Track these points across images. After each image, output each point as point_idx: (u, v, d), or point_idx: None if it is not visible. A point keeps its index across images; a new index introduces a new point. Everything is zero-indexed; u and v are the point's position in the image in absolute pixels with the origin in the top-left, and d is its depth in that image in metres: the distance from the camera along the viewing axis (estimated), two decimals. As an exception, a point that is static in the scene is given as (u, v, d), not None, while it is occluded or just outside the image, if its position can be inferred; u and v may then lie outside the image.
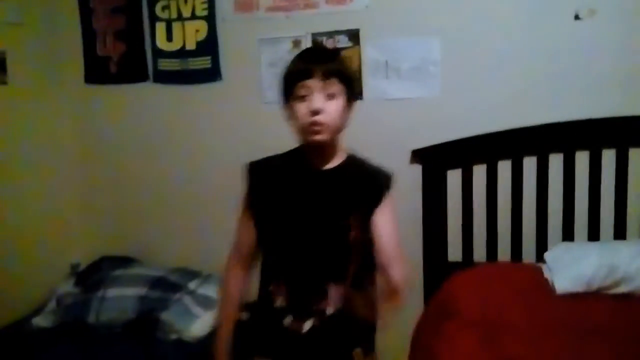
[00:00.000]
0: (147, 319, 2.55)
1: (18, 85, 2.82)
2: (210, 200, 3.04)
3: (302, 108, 1.61)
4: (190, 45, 3.01)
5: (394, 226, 1.73)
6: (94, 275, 2.89)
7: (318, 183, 1.71)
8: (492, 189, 2.72)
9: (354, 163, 1.76)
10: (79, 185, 3.22)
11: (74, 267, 3.10)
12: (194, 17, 2.98)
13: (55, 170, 3.09)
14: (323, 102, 1.59)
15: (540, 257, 2.60)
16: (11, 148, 2.80)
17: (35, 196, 2.94)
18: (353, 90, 1.70)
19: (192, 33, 2.99)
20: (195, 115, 3.04)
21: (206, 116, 3.03)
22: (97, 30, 3.11)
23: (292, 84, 1.63)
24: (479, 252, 2.77)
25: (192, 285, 2.80)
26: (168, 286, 2.73)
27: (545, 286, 2.37)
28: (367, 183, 1.73)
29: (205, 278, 2.89)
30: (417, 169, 2.79)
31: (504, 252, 2.74)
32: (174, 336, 2.52)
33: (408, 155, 2.79)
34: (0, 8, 2.73)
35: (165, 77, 3.06)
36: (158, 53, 3.05)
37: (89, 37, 3.13)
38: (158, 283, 2.73)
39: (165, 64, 3.05)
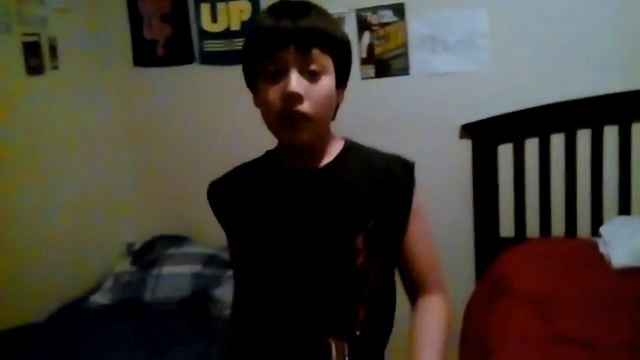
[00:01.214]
0: (201, 296, 2.62)
1: (69, 70, 2.87)
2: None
3: (272, 92, 1.14)
4: (235, 26, 3.01)
5: (431, 240, 1.31)
6: (148, 254, 2.96)
7: (305, 190, 1.24)
8: (544, 163, 2.66)
9: (354, 155, 1.29)
10: (130, 166, 3.29)
11: (130, 247, 3.17)
12: (238, -4, 2.99)
13: (106, 152, 3.15)
14: (303, 84, 1.12)
15: (595, 232, 2.54)
16: (63, 131, 2.86)
17: (88, 178, 3.01)
18: (346, 65, 1.24)
19: (237, 13, 2.99)
20: (241, 95, 3.05)
21: (251, 96, 3.04)
22: (143, 13, 3.14)
23: (257, 56, 1.16)
24: (532, 228, 2.72)
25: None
26: (220, 264, 2.79)
27: (601, 261, 2.31)
28: (381, 181, 1.24)
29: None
30: (467, 144, 2.75)
31: (557, 227, 2.68)
32: (227, 312, 2.56)
33: (457, 131, 2.75)
34: (48, -5, 2.78)
35: (211, 58, 3.07)
36: (203, 34, 3.06)
37: (135, 21, 3.16)
38: (211, 261, 2.80)
39: (211, 45, 3.07)
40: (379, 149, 1.33)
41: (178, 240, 3.09)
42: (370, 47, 2.84)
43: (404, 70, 2.81)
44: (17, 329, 2.42)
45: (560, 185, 2.66)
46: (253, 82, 1.23)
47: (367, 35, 2.84)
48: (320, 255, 1.21)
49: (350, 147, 1.30)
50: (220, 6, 3.02)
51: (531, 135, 2.67)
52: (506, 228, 2.75)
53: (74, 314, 2.66)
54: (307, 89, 1.12)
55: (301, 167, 1.25)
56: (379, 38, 2.83)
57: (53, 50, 2.76)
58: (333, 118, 1.26)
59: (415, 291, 1.29)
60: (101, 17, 3.14)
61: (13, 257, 2.51)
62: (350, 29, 2.82)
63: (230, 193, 1.32)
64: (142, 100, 3.23)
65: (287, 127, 1.15)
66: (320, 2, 2.91)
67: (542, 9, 2.62)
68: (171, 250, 2.91)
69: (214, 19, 3.03)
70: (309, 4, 1.19)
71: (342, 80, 1.23)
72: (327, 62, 1.16)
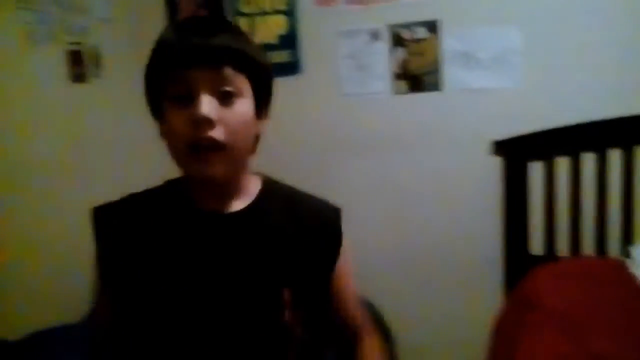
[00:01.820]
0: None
1: (111, 78, 2.96)
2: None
3: (179, 118, 0.99)
4: (272, 40, 3.07)
5: (354, 282, 1.22)
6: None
7: (222, 237, 1.07)
8: (575, 182, 2.66)
9: (276, 195, 1.16)
10: (169, 172, 3.35)
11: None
12: (275, 11, 3.04)
13: (144, 159, 3.22)
14: (214, 107, 0.99)
15: (625, 252, 2.52)
16: (104, 137, 2.94)
17: (127, 184, 3.07)
18: (266, 91, 1.11)
19: (274, 27, 3.06)
20: (276, 107, 3.10)
21: (286, 108, 3.09)
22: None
23: (160, 77, 1.03)
24: (562, 246, 2.71)
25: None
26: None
27: (631, 281, 2.30)
28: (307, 227, 1.13)
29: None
30: (498, 160, 2.75)
31: (587, 246, 2.67)
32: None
33: (488, 147, 2.76)
34: (92, 6, 2.87)
35: (247, 71, 3.14)
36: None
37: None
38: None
39: (247, 58, 3.13)
40: (300, 188, 1.21)
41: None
42: (404, 63, 2.87)
43: (437, 86, 2.84)
44: (52, 329, 2.49)
45: (591, 204, 2.65)
46: (157, 110, 1.07)
47: (400, 51, 2.87)
48: (242, 311, 1.04)
49: (270, 186, 1.17)
50: (257, 20, 3.08)
51: (562, 153, 2.67)
52: (536, 245, 2.74)
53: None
54: (219, 113, 0.99)
55: (215, 208, 1.08)
56: (412, 54, 2.86)
57: (96, 58, 2.86)
58: (253, 151, 1.11)
59: (347, 334, 1.21)
60: (143, 27, 3.23)
61: (51, 258, 2.59)
62: (383, 44, 2.86)
63: (125, 225, 1.10)
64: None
65: (197, 159, 0.99)
66: (359, 17, 2.93)
67: (575, 28, 2.63)
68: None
69: (251, 32, 3.10)
70: (224, 20, 1.09)
71: (261, 108, 1.10)
72: (243, 85, 1.03)
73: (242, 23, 3.10)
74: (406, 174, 2.91)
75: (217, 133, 0.98)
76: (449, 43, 2.81)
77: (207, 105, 0.97)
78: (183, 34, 1.01)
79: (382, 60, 2.90)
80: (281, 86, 3.07)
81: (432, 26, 2.82)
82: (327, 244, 1.16)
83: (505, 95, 2.74)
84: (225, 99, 1.00)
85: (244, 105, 1.03)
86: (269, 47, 3.07)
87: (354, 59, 2.93)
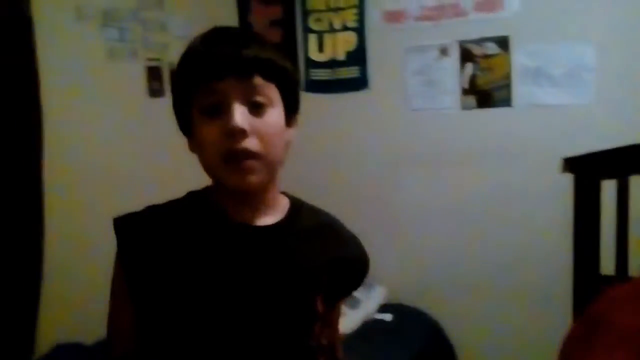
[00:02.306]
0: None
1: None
2: (353, 202, 3.13)
3: (211, 130, 0.98)
4: (340, 56, 3.13)
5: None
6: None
7: (251, 251, 1.06)
8: (650, 201, 2.58)
9: (303, 214, 1.15)
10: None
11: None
12: (344, 28, 3.10)
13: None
14: (247, 117, 0.98)
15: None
16: (179, 148, 3.04)
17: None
18: (294, 99, 1.10)
19: (343, 44, 3.11)
20: (343, 121, 3.16)
21: (354, 123, 3.14)
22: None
23: (190, 89, 1.01)
24: (634, 266, 2.63)
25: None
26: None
27: None
28: (334, 253, 1.13)
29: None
30: (569, 178, 2.71)
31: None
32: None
33: (559, 164, 2.72)
34: (172, 24, 3.00)
35: (316, 87, 3.20)
36: (310, 63, 3.20)
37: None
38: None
39: (317, 74, 3.20)
40: (323, 209, 1.20)
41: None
42: (473, 78, 2.87)
43: (507, 102, 2.82)
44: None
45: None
46: (186, 124, 1.06)
47: (469, 66, 2.88)
48: (268, 324, 1.04)
49: (298, 205, 1.16)
50: (327, 37, 3.15)
51: (636, 172, 2.60)
52: (607, 265, 2.68)
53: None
54: (251, 123, 0.98)
55: (245, 220, 1.07)
56: (482, 69, 2.85)
57: (173, 74, 2.98)
58: (283, 161, 1.08)
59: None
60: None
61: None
62: (453, 60, 2.86)
63: (150, 236, 1.07)
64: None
65: (233, 169, 0.98)
66: (428, 33, 2.90)
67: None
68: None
69: (321, 48, 3.17)
70: (250, 31, 1.09)
71: (290, 116, 1.09)
72: (273, 94, 1.02)
73: (312, 40, 3.17)
74: (474, 190, 2.90)
75: (250, 143, 0.98)
76: (520, 59, 2.80)
77: (240, 115, 0.97)
78: (212, 45, 1.01)
79: (451, 75, 2.91)
80: (349, 101, 3.16)
81: (502, 42, 2.81)
82: (352, 274, 1.17)
83: (577, 111, 2.70)
84: (256, 108, 1.00)
85: (275, 115, 1.02)
86: (337, 63, 3.13)
87: (422, 75, 2.95)
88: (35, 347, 2.23)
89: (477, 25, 2.85)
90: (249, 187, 1.01)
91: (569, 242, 2.72)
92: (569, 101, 2.72)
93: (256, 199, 1.07)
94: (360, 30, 3.07)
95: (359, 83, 3.10)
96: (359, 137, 3.13)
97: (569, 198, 2.71)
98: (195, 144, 1.04)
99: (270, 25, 3.28)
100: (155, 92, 2.87)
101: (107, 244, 2.59)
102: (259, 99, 0.99)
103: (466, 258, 2.94)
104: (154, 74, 2.86)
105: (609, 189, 2.64)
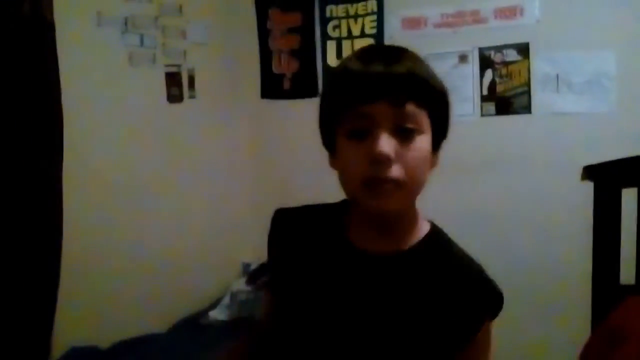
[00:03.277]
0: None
1: (204, 99, 3.11)
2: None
3: (356, 152, 0.96)
4: (359, 62, 3.13)
5: None
6: (262, 274, 3.09)
7: (382, 276, 1.04)
8: (672, 210, 2.54)
9: (441, 244, 1.10)
10: (251, 191, 3.46)
11: (245, 267, 3.32)
12: (363, 35, 3.10)
13: (232, 177, 3.34)
14: (393, 144, 0.94)
15: None
16: (196, 153, 3.08)
17: (213, 200, 3.21)
18: (445, 124, 1.04)
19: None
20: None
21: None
22: (273, 49, 3.34)
23: (340, 109, 0.98)
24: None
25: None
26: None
27: None
28: (469, 295, 1.06)
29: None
30: (589, 186, 2.68)
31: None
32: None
33: (579, 172, 2.69)
34: (191, 30, 3.02)
35: (335, 93, 3.20)
36: (329, 70, 3.20)
37: (265, 56, 3.36)
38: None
39: (335, 80, 3.20)
40: (466, 249, 1.13)
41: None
42: (492, 85, 2.86)
43: (526, 109, 2.81)
44: (140, 338, 2.60)
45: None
46: (331, 140, 1.04)
47: (489, 73, 2.86)
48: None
49: (438, 233, 1.11)
50: (345, 43, 3.15)
51: (658, 180, 2.57)
52: (627, 275, 2.64)
53: (194, 327, 2.82)
54: (398, 150, 0.94)
55: (373, 245, 1.04)
56: (501, 76, 2.84)
57: (191, 80, 3.00)
58: (424, 187, 1.05)
59: None
60: (235, 51, 3.37)
61: (142, 270, 2.71)
62: (473, 66, 2.85)
63: (295, 234, 1.12)
64: (267, 130, 3.41)
65: (372, 193, 0.95)
66: (447, 40, 2.88)
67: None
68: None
69: (339, 55, 3.17)
70: (402, 48, 1.03)
71: (438, 142, 1.04)
72: (424, 119, 0.97)
73: (330, 46, 3.17)
74: (493, 197, 2.88)
75: (394, 171, 0.94)
76: (540, 66, 2.78)
77: (387, 143, 0.93)
78: (362, 65, 0.97)
79: (470, 82, 2.89)
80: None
81: (523, 49, 2.80)
82: (475, 312, 1.05)
83: (597, 119, 2.67)
84: (404, 134, 0.95)
85: (423, 142, 0.98)
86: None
87: (441, 82, 2.94)
88: (51, 349, 2.25)
89: (497, 32, 2.83)
90: (386, 211, 0.99)
91: (588, 250, 2.69)
92: (589, 109, 2.70)
93: (391, 224, 1.04)
94: (378, 37, 3.07)
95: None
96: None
97: (589, 206, 2.68)
98: (337, 163, 1.02)
99: (288, 32, 3.29)
100: (174, 97, 2.90)
101: (124, 249, 2.63)
102: (409, 125, 0.95)
103: (484, 265, 2.91)
104: (173, 79, 2.89)
105: (629, 197, 2.61)
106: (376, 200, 0.96)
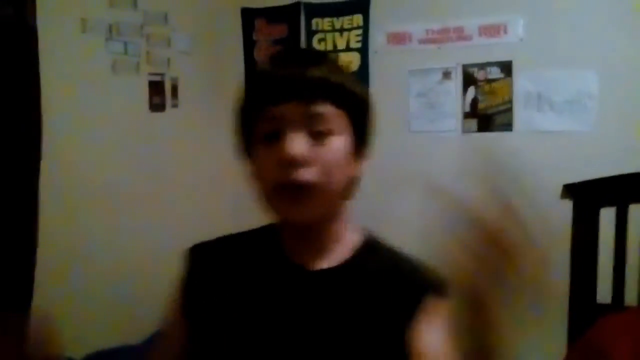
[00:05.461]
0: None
1: (187, 108, 3.10)
2: (352, 222, 3.14)
3: (266, 158, 0.92)
4: (343, 76, 3.13)
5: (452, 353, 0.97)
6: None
7: (304, 297, 0.97)
8: (648, 230, 2.57)
9: (374, 256, 1.02)
10: (233, 201, 3.44)
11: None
12: (348, 49, 3.11)
13: (214, 186, 3.32)
14: (303, 145, 0.89)
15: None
16: (178, 163, 3.06)
17: (195, 210, 3.18)
18: (366, 124, 0.99)
19: (346, 64, 3.12)
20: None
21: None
22: (259, 60, 3.34)
23: (251, 112, 0.95)
24: (631, 295, 2.61)
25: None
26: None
27: None
28: (401, 287, 0.98)
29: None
30: (568, 205, 2.70)
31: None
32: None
33: (558, 190, 2.71)
34: (176, 39, 3.02)
35: (319, 106, 3.21)
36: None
37: (250, 66, 3.36)
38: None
39: (319, 93, 3.20)
40: (406, 252, 1.05)
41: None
42: (475, 102, 2.88)
43: (508, 126, 2.82)
44: (115, 349, 2.56)
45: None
46: (248, 149, 0.99)
47: (471, 90, 2.88)
48: None
49: (372, 244, 1.04)
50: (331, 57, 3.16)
51: (636, 200, 2.60)
52: (603, 294, 2.66)
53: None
54: (311, 151, 0.89)
55: (305, 260, 0.98)
56: (484, 93, 2.86)
57: (174, 89, 2.99)
58: (348, 196, 0.99)
59: None
60: (219, 60, 3.36)
61: (118, 280, 2.68)
62: (454, 83, 2.87)
63: (216, 266, 1.05)
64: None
65: (284, 200, 0.91)
66: (432, 56, 2.90)
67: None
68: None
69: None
70: (322, 52, 0.99)
71: (360, 148, 0.98)
72: (341, 121, 0.93)
73: (316, 59, 3.18)
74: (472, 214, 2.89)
75: (307, 174, 0.89)
76: (523, 84, 2.80)
77: (296, 144, 0.88)
78: (277, 67, 0.95)
79: (453, 98, 2.91)
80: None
81: (506, 67, 2.82)
82: (403, 296, 0.98)
83: (578, 138, 2.70)
84: (318, 136, 0.91)
85: (339, 143, 0.92)
86: (340, 82, 3.13)
87: (424, 97, 2.95)
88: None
89: (481, 50, 2.85)
90: (301, 221, 0.94)
91: (566, 269, 2.71)
92: (570, 127, 2.72)
93: (315, 235, 0.98)
94: (363, 51, 3.08)
95: (361, 103, 3.09)
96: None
97: (567, 225, 2.71)
98: (252, 172, 0.98)
99: (274, 44, 3.29)
100: (156, 106, 2.88)
101: (101, 258, 2.60)
102: (322, 127, 0.91)
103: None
104: (156, 88, 2.87)
105: (607, 216, 2.63)
106: (291, 207, 0.91)
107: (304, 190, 0.89)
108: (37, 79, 2.22)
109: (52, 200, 2.30)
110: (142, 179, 2.83)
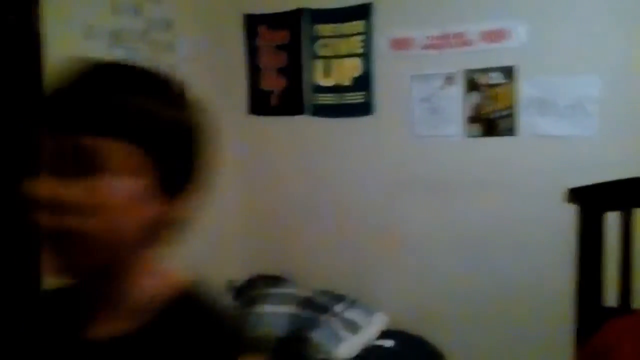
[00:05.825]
0: (297, 337, 2.69)
1: (191, 115, 3.09)
2: (356, 227, 3.14)
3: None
4: (346, 81, 3.14)
5: None
6: (249, 291, 3.09)
7: None
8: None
9: (182, 319, 0.83)
10: (237, 207, 3.45)
11: (229, 283, 3.29)
12: (351, 54, 3.12)
13: (217, 192, 3.32)
14: (54, 186, 0.74)
15: None
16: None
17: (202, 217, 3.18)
18: (175, 156, 0.82)
19: (349, 69, 3.13)
20: (348, 146, 3.17)
21: (358, 147, 3.15)
22: (261, 66, 3.35)
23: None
24: (638, 299, 2.61)
25: (337, 308, 2.90)
26: (316, 307, 2.86)
27: None
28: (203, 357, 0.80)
29: (351, 303, 2.98)
30: (573, 209, 2.70)
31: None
32: (321, 356, 2.61)
33: (563, 195, 2.71)
34: (180, 46, 3.02)
35: (322, 111, 3.22)
36: (316, 88, 3.21)
37: (253, 72, 3.37)
38: (307, 303, 2.88)
39: (323, 99, 3.21)
40: (226, 308, 0.93)
41: (276, 280, 3.19)
42: (478, 107, 2.88)
43: (511, 131, 2.83)
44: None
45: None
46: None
47: (474, 95, 2.88)
48: None
49: (187, 299, 0.85)
50: (333, 62, 3.17)
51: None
52: (610, 297, 2.65)
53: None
54: (63, 193, 0.73)
55: (98, 325, 0.82)
56: (486, 98, 2.86)
57: (180, 94, 3.00)
58: (148, 243, 0.82)
59: None
60: (223, 66, 3.37)
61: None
62: (458, 88, 2.88)
63: (39, 320, 0.90)
64: (254, 146, 3.41)
65: (49, 250, 0.76)
66: (434, 62, 2.91)
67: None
68: (270, 290, 3.02)
69: (327, 74, 3.18)
70: (126, 69, 0.84)
71: (173, 184, 0.82)
72: (123, 155, 0.75)
73: (318, 65, 3.19)
74: (477, 218, 2.89)
75: (61, 219, 0.73)
76: (526, 89, 2.80)
77: (43, 183, 0.74)
78: (54, 89, 0.79)
79: (456, 103, 2.91)
80: (355, 126, 3.17)
81: (508, 72, 2.82)
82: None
83: (581, 143, 2.70)
84: (82, 174, 0.74)
85: (112, 183, 0.75)
86: (343, 88, 3.14)
87: (427, 102, 2.96)
88: None
89: (483, 55, 2.86)
90: (66, 276, 0.79)
91: (571, 272, 2.71)
92: (573, 132, 2.72)
93: (97, 294, 0.83)
94: (366, 57, 3.09)
95: (365, 108, 3.10)
96: (363, 162, 3.13)
97: (572, 229, 2.70)
98: None
99: (276, 50, 3.30)
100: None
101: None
102: (88, 163, 0.74)
103: (469, 286, 2.91)
104: (160, 93, 2.88)
105: (612, 220, 2.63)
106: (53, 258, 0.76)
107: (64, 238, 0.74)
108: (42, 85, 2.22)
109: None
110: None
